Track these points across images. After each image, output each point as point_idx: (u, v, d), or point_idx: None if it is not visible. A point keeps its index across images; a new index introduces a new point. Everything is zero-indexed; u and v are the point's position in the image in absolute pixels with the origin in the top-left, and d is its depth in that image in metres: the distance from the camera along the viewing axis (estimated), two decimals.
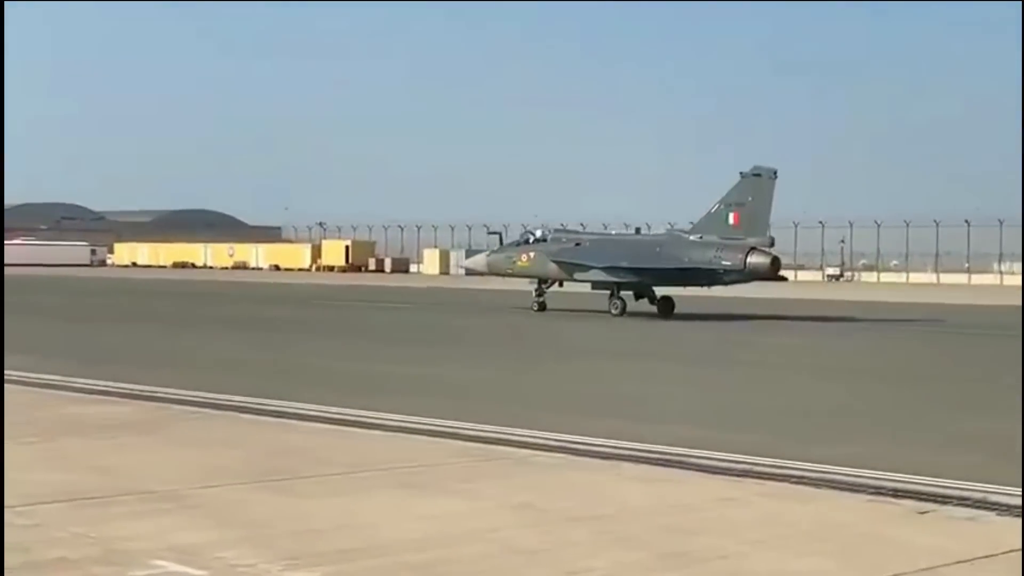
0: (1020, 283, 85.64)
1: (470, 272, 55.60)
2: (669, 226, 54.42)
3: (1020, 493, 11.10)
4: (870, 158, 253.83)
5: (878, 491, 11.33)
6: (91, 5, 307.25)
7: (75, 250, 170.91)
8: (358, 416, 15.76)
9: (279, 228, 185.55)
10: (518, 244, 48.67)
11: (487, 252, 51.80)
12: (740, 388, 21.89)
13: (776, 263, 43.94)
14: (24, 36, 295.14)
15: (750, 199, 43.56)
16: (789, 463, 12.72)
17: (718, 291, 47.01)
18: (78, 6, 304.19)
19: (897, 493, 11.25)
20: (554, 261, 45.95)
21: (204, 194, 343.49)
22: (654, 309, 44.84)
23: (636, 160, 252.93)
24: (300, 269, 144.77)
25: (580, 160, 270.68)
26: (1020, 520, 10.16)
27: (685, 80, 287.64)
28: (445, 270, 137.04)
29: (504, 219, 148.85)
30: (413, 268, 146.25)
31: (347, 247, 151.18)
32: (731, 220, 43.47)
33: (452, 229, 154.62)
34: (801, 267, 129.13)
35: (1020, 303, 52.44)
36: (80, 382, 19.14)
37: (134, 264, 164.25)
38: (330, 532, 9.29)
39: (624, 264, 44.46)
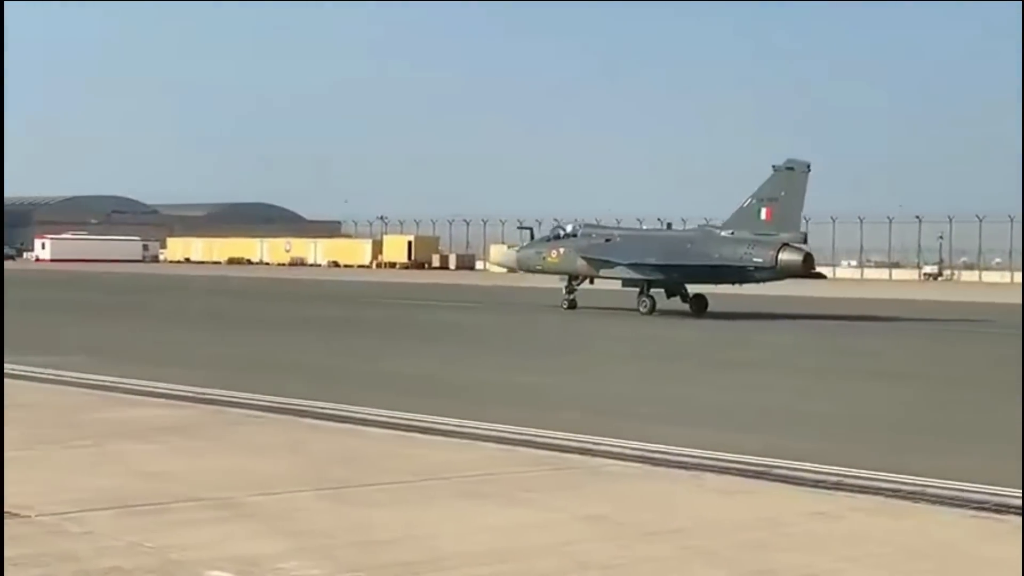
0: None
1: (506, 269, 55.72)
2: (704, 221, 54.99)
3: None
4: (966, 149, 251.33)
5: (980, 506, 11.17)
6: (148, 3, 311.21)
7: (126, 245, 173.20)
8: (422, 421, 15.82)
9: (339, 223, 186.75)
10: (548, 240, 49.11)
11: (517, 248, 52.34)
12: (813, 395, 21.69)
13: (809, 260, 44.24)
14: (75, 29, 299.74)
15: (783, 194, 44.03)
16: (881, 475, 12.59)
17: (758, 289, 47.72)
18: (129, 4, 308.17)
19: (1001, 508, 11.08)
20: (583, 257, 46.59)
21: (261, 187, 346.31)
22: (686, 307, 45.46)
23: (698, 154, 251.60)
24: (360, 266, 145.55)
25: (651, 154, 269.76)
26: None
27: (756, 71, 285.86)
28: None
29: (574, 213, 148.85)
30: (479, 265, 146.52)
31: (410, 243, 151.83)
32: (763, 215, 44.02)
33: (514, 223, 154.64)
34: (896, 265, 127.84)
35: None
36: (134, 384, 19.38)
37: (187, 260, 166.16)
38: (393, 543, 9.33)
39: (653, 261, 45.03)
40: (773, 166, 44.66)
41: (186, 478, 11.62)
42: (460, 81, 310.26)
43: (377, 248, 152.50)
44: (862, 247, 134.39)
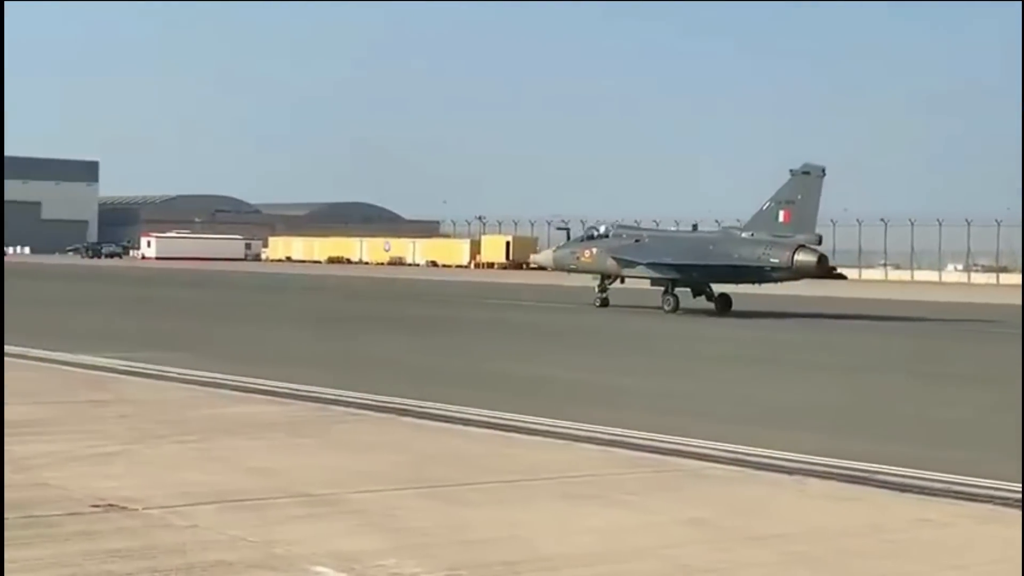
0: None
1: (541, 267, 57.87)
2: (737, 222, 56.07)
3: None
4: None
5: None
6: (254, 4, 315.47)
7: (229, 243, 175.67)
8: (521, 421, 15.83)
9: (437, 222, 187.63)
10: (582, 240, 50.53)
11: (554, 248, 53.83)
12: (897, 396, 21.33)
13: (823, 261, 45.80)
14: (184, 30, 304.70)
15: (799, 197, 45.70)
16: (990, 482, 12.34)
17: (771, 288, 49.38)
18: (237, 4, 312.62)
19: None
20: (613, 257, 48.15)
21: (361, 187, 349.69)
22: (711, 306, 46.91)
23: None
24: (458, 266, 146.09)
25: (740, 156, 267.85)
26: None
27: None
28: None
29: (664, 215, 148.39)
30: None
31: (508, 243, 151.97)
32: (781, 218, 45.66)
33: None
34: (1004, 269, 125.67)
35: None
36: (237, 380, 19.64)
37: (288, 259, 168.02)
38: (493, 542, 9.35)
39: (676, 260, 46.75)
40: (790, 170, 46.10)
41: (289, 474, 11.75)
42: (558, 84, 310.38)
43: (475, 248, 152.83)
44: (969, 250, 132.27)
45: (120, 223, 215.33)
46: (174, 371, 20.83)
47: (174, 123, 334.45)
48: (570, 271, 51.20)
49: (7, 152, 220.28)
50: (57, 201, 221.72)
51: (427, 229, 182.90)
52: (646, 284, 49.64)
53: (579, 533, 9.74)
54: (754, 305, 48.57)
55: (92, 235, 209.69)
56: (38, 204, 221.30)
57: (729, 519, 10.41)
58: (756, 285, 48.23)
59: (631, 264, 47.53)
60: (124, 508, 10.01)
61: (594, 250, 48.92)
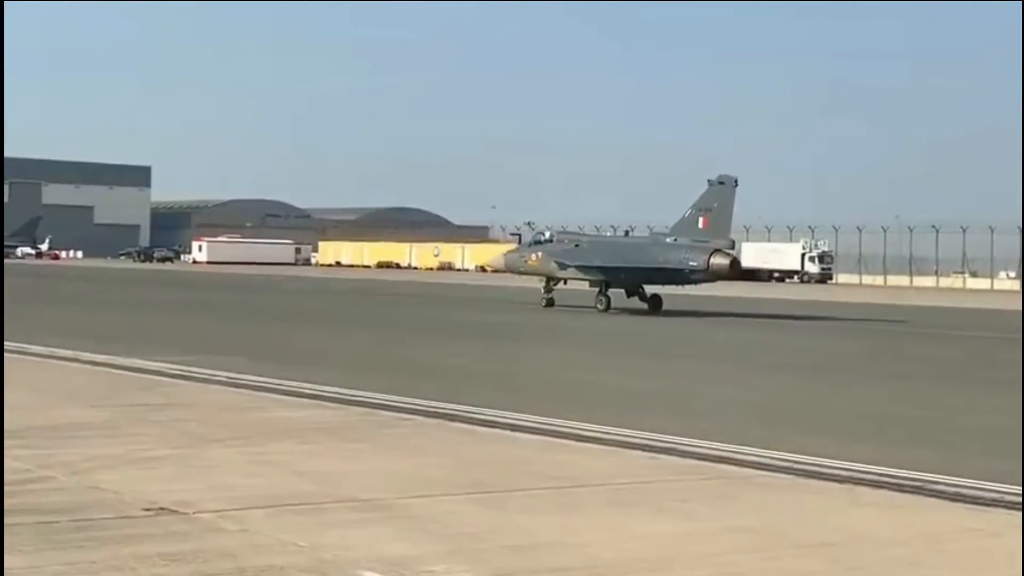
0: None
1: (495, 270, 62.32)
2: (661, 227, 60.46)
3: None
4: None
5: None
6: (304, 12, 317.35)
7: (280, 248, 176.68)
8: (570, 428, 15.83)
9: (486, 228, 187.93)
10: (530, 245, 54.99)
11: (506, 252, 58.27)
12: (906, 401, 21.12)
13: (736, 264, 50.56)
14: (232, 39, 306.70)
15: (716, 205, 49.66)
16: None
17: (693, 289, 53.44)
18: (287, 12, 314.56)
19: None
20: (555, 261, 52.23)
21: (411, 192, 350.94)
22: (644, 306, 51.05)
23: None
24: None
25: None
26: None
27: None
28: None
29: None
30: None
31: None
32: (700, 224, 49.71)
33: (667, 230, 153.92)
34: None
35: None
36: (287, 385, 19.75)
37: (338, 263, 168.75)
38: (543, 549, 9.35)
39: (605, 264, 50.98)
40: (708, 180, 50.01)
41: (339, 479, 11.80)
42: (602, 88, 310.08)
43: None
44: None
45: (172, 227, 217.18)
46: (224, 375, 20.97)
47: (226, 128, 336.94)
48: (520, 273, 55.35)
49: (61, 157, 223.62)
50: (110, 206, 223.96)
51: (476, 234, 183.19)
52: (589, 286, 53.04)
53: (628, 540, 9.73)
54: (683, 305, 52.83)
55: (144, 239, 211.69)
56: (91, 208, 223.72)
57: (778, 527, 10.36)
58: (680, 286, 52.16)
59: (567, 267, 51.72)
60: (176, 512, 10.09)
61: (539, 254, 52.88)
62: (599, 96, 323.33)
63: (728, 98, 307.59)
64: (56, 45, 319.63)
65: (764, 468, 13.33)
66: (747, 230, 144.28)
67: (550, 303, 51.81)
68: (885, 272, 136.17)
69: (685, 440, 14.98)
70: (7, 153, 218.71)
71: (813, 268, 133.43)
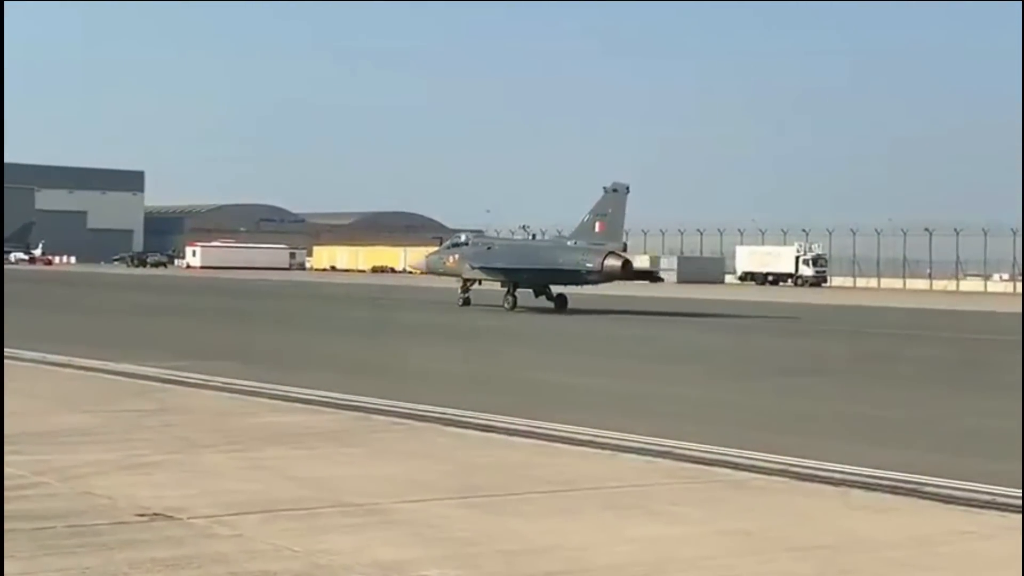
0: None
1: (419, 271, 64.69)
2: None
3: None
4: None
5: None
6: (295, 14, 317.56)
7: (274, 253, 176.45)
8: (562, 431, 15.84)
9: (481, 231, 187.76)
10: (448, 248, 58.21)
11: (427, 254, 61.47)
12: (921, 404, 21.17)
13: (627, 265, 54.41)
14: (223, 44, 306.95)
15: (610, 211, 53.48)
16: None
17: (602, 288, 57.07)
18: (277, 15, 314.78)
19: None
20: (468, 263, 55.58)
21: (405, 196, 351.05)
22: (551, 304, 54.21)
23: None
24: None
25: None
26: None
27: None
28: None
29: (715, 223, 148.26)
30: None
31: None
32: (597, 228, 53.31)
33: (663, 234, 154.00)
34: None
35: None
36: (280, 390, 19.75)
37: (333, 268, 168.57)
38: (537, 553, 9.37)
39: (507, 265, 54.46)
40: (604, 187, 53.79)
41: (333, 484, 11.82)
42: (599, 88, 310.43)
43: None
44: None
45: (165, 232, 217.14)
46: (218, 380, 20.98)
47: (220, 133, 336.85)
48: (440, 275, 58.75)
49: (55, 162, 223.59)
50: (103, 210, 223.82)
51: None
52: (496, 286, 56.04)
53: (623, 543, 9.75)
54: (585, 304, 56.02)
55: (138, 244, 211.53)
56: (84, 214, 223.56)
57: (772, 530, 10.39)
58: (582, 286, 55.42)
59: (477, 268, 55.21)
60: (169, 517, 10.10)
61: (456, 256, 56.27)
62: (598, 98, 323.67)
63: (727, 97, 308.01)
64: (48, 49, 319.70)
65: (759, 471, 13.35)
66: (741, 233, 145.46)
67: (466, 302, 54.85)
68: (879, 275, 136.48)
69: (680, 444, 15.00)
70: None
71: (807, 271, 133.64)
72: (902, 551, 9.80)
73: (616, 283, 56.03)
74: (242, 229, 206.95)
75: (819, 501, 11.87)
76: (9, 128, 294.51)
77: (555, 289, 54.54)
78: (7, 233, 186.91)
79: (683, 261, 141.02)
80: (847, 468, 13.53)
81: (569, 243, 54.91)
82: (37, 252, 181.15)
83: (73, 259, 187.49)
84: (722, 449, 14.66)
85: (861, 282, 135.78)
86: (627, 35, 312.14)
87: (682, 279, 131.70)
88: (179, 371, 22.28)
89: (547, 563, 9.08)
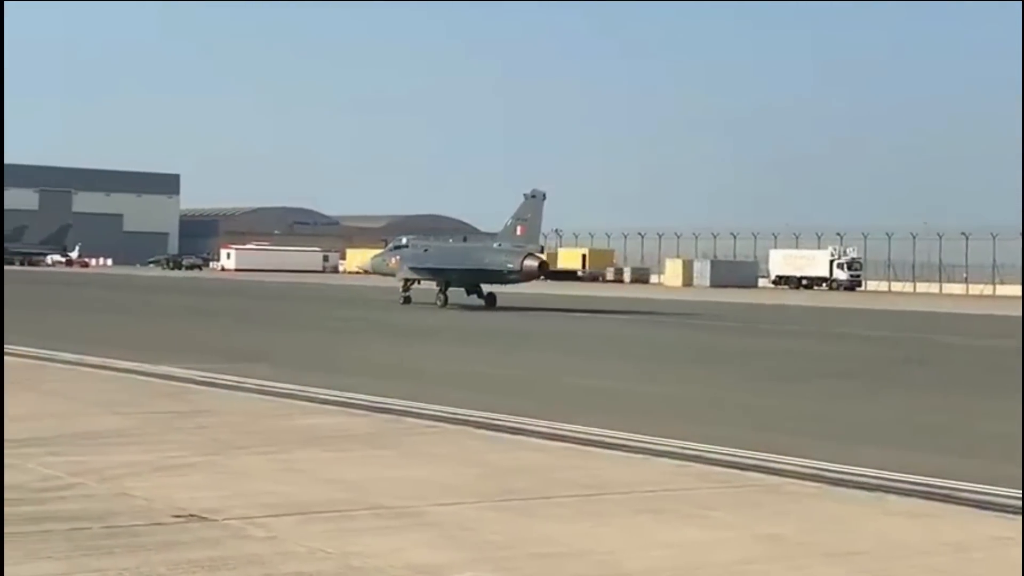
0: None
1: (365, 272, 69.29)
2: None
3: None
4: None
5: None
6: (328, 16, 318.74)
7: (307, 255, 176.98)
8: (595, 435, 15.83)
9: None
10: (391, 250, 63.02)
11: (372, 256, 66.04)
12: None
13: (544, 266, 59.48)
14: (256, 46, 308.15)
15: (529, 215, 58.15)
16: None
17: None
18: (311, 17, 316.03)
19: None
20: (405, 264, 60.12)
21: (438, 199, 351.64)
22: (481, 302, 58.09)
23: None
24: None
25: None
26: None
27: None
28: (688, 281, 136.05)
29: (750, 225, 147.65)
30: (654, 279, 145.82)
31: (584, 255, 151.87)
32: (518, 231, 58.03)
33: (696, 237, 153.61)
34: None
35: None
36: (313, 392, 19.82)
37: (365, 271, 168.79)
38: (570, 557, 9.36)
39: (436, 266, 59.14)
40: (524, 194, 58.37)
41: (366, 486, 11.84)
42: (638, 93, 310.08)
43: (552, 260, 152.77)
44: None
45: (200, 235, 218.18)
46: (251, 382, 21.07)
47: (253, 136, 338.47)
48: (384, 275, 63.24)
49: (91, 165, 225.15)
50: (139, 213, 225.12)
51: None
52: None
53: (656, 548, 9.73)
54: (511, 301, 60.47)
55: (173, 247, 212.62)
56: (120, 216, 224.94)
57: (806, 535, 10.35)
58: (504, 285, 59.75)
59: (412, 269, 59.67)
60: (205, 519, 10.16)
61: (396, 258, 61.04)
62: (623, 99, 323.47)
63: (760, 99, 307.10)
64: (86, 53, 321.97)
65: (792, 476, 13.30)
66: (775, 237, 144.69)
67: (407, 300, 58.80)
68: (914, 279, 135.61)
69: (712, 448, 14.97)
70: (39, 162, 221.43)
71: (842, 275, 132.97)
72: (938, 557, 9.74)
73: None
74: (276, 232, 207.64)
75: (853, 506, 11.81)
76: (48, 132, 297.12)
77: (485, 288, 58.66)
78: (45, 236, 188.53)
79: (716, 265, 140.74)
80: (882, 473, 13.46)
81: (494, 245, 59.53)
82: (74, 254, 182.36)
83: (109, 261, 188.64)
84: (753, 453, 14.61)
85: (896, 286, 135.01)
86: (649, 36, 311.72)
87: (715, 283, 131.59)
88: (213, 373, 22.40)
89: (579, 567, 9.07)
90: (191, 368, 23.11)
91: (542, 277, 61.43)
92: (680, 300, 78.74)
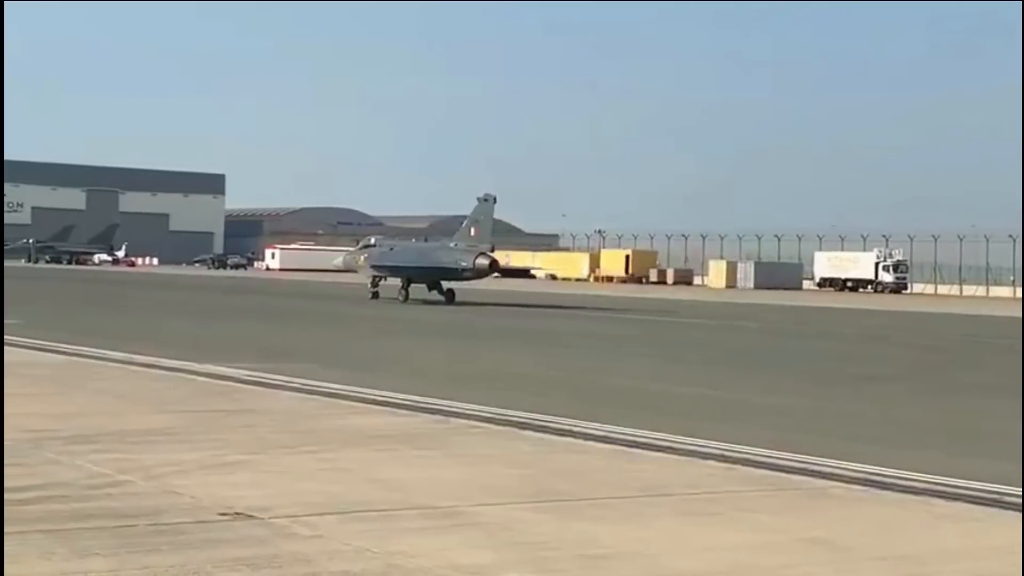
0: None
1: (337, 270, 74.29)
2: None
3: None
4: None
5: None
6: (376, 16, 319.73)
7: None
8: (640, 436, 15.78)
9: (556, 235, 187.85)
10: (360, 249, 66.95)
11: (345, 254, 69.67)
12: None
13: (494, 264, 63.01)
14: (302, 45, 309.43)
15: (482, 217, 63.16)
16: None
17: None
18: (357, 17, 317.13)
19: None
20: (370, 263, 64.30)
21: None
22: (442, 298, 61.74)
23: None
24: (577, 279, 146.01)
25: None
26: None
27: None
28: (732, 283, 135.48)
29: (793, 227, 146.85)
30: (697, 280, 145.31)
31: (627, 257, 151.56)
32: (472, 232, 62.85)
33: (740, 239, 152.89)
34: None
35: None
36: (359, 391, 19.86)
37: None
38: (616, 558, 9.33)
39: (395, 264, 63.34)
40: (477, 197, 63.24)
41: (412, 486, 11.84)
42: (677, 99, 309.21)
43: (594, 261, 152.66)
44: None
45: (245, 235, 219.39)
46: (297, 381, 21.14)
47: (299, 136, 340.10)
48: (353, 272, 67.56)
49: (137, 165, 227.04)
50: (185, 213, 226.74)
51: (546, 242, 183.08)
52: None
53: (702, 550, 9.68)
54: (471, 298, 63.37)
55: (218, 247, 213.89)
56: (166, 216, 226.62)
57: (853, 539, 10.27)
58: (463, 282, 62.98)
59: (375, 267, 63.66)
60: (251, 517, 10.19)
61: (364, 256, 65.13)
62: (673, 107, 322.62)
63: (806, 101, 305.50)
64: (134, 54, 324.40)
65: (839, 479, 13.20)
66: (820, 239, 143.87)
67: (375, 296, 62.68)
68: (961, 282, 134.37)
69: (759, 451, 14.88)
70: (86, 161, 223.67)
71: (888, 277, 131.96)
72: (985, 562, 9.65)
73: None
74: (319, 232, 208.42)
75: (901, 510, 11.71)
76: (95, 132, 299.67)
77: (445, 284, 62.49)
78: (93, 235, 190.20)
79: (759, 267, 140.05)
80: (930, 478, 13.34)
81: (451, 245, 64.08)
82: (120, 254, 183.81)
83: (155, 260, 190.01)
84: (798, 456, 14.52)
85: (943, 289, 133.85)
86: (697, 36, 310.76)
87: (759, 284, 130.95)
88: (259, 372, 22.50)
89: (625, 568, 9.03)
90: (237, 367, 23.23)
91: (495, 274, 65.14)
92: (668, 299, 78.09)
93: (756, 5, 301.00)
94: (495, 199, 63.16)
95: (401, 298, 61.08)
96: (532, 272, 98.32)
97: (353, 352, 30.63)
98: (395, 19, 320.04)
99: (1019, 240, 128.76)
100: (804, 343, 42.14)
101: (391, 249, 65.73)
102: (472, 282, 63.69)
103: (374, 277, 64.11)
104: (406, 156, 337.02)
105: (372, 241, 67.83)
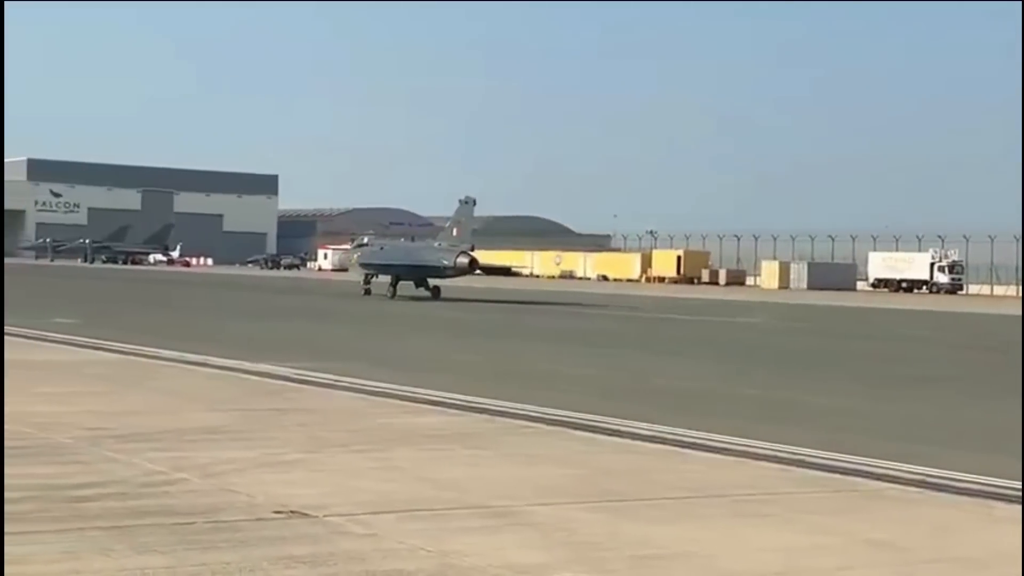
0: None
1: (334, 268, 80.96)
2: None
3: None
4: None
5: None
6: (430, 18, 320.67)
7: None
8: (694, 437, 15.73)
9: (608, 236, 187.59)
10: (356, 248, 71.65)
11: (341, 252, 75.76)
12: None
13: (474, 262, 66.42)
14: (355, 47, 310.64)
15: (463, 219, 67.54)
16: None
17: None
18: (412, 18, 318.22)
19: None
20: (361, 261, 68.89)
21: (532, 200, 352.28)
22: (428, 294, 65.58)
23: None
24: (629, 280, 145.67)
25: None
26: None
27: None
28: (785, 284, 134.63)
29: (843, 227, 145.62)
30: (749, 281, 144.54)
31: (679, 257, 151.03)
32: (455, 233, 67.03)
33: (793, 240, 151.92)
34: None
35: None
36: (409, 391, 19.92)
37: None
38: (667, 559, 9.30)
39: (382, 262, 67.35)
40: (459, 200, 67.44)
41: (465, 485, 11.86)
42: (728, 99, 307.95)
43: (646, 262, 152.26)
44: None
45: (298, 235, 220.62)
46: (347, 380, 21.23)
47: (351, 137, 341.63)
48: (347, 270, 72.33)
49: (192, 166, 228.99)
50: (239, 213, 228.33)
51: (598, 243, 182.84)
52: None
53: (757, 551, 9.63)
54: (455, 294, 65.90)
55: (271, 247, 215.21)
56: (220, 217, 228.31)
57: (910, 541, 10.18)
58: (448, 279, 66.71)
59: (364, 265, 67.87)
60: (306, 515, 10.24)
61: (356, 255, 69.69)
62: (720, 101, 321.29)
63: (860, 101, 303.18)
64: (190, 57, 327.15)
65: (895, 481, 13.10)
66: (874, 239, 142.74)
67: (367, 292, 66.68)
68: (1019, 282, 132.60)
69: (814, 452, 14.79)
70: (142, 163, 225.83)
71: (943, 278, 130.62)
72: None
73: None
74: (370, 232, 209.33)
75: (959, 513, 11.60)
76: (151, 134, 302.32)
77: (431, 282, 66.05)
78: (148, 235, 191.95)
79: (813, 267, 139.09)
80: (988, 480, 13.20)
81: (435, 244, 68.59)
82: (175, 254, 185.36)
83: (210, 261, 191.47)
84: (854, 457, 14.41)
85: (999, 290, 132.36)
86: (742, 37, 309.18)
87: (812, 285, 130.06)
88: (310, 371, 22.62)
89: (679, 570, 9.01)
90: (288, 366, 23.37)
91: (476, 272, 68.30)
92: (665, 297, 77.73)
93: (811, 5, 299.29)
94: (475, 201, 67.49)
95: (389, 294, 64.33)
96: (513, 270, 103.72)
97: (393, 351, 30.80)
98: (446, 20, 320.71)
99: None
100: (862, 344, 41.80)
101: (381, 249, 69.87)
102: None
103: (366, 275, 67.85)
104: (456, 157, 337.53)
105: (365, 241, 72.24)
